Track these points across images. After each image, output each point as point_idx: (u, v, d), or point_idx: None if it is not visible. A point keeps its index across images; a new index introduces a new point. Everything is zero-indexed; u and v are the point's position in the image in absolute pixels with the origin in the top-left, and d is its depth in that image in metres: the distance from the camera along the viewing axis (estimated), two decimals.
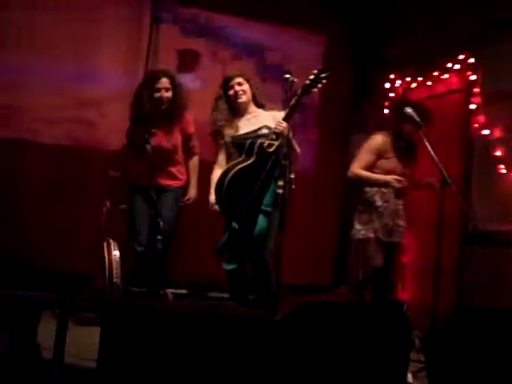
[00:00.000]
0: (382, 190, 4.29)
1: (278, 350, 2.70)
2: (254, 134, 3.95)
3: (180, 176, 4.52)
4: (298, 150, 3.92)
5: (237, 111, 4.05)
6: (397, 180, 4.29)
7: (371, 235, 4.24)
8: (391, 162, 4.35)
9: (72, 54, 5.33)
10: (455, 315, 3.39)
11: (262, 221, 3.80)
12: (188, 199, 4.50)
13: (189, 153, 4.59)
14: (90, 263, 4.52)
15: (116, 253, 4.24)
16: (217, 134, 4.05)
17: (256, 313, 3.02)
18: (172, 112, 4.40)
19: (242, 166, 3.80)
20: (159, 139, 4.33)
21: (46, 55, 5.31)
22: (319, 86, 3.76)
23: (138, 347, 2.51)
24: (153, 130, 4.08)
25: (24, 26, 5.24)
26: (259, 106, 4.09)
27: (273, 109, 4.03)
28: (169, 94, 4.37)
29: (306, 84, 3.75)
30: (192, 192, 4.51)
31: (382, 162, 4.34)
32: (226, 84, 4.03)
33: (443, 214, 3.90)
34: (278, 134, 3.73)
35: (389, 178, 4.29)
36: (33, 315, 2.70)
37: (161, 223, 3.90)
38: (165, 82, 4.37)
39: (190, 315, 2.67)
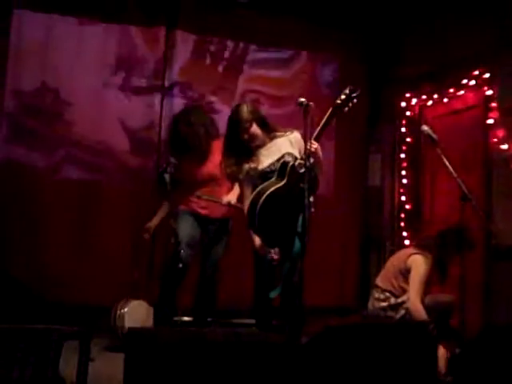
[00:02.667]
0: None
1: (303, 376, 2.68)
2: (279, 164, 3.82)
3: None
4: (322, 170, 3.90)
5: (253, 146, 3.96)
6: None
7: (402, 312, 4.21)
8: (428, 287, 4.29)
9: None
10: (483, 334, 3.34)
11: (297, 243, 3.75)
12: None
13: None
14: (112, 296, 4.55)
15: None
16: (233, 178, 4.02)
17: (281, 338, 3.00)
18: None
19: (274, 187, 3.71)
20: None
21: None
22: (350, 105, 3.74)
23: (163, 377, 2.50)
24: None
25: None
26: (271, 131, 4.00)
27: (285, 132, 3.97)
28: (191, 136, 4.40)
29: (336, 103, 3.69)
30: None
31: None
32: (238, 127, 3.82)
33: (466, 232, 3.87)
34: (310, 155, 3.66)
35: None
36: (54, 348, 2.71)
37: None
38: (181, 125, 4.42)
39: (216, 344, 2.66)
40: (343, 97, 3.73)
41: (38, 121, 5.41)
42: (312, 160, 3.60)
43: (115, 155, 5.58)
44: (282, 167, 3.74)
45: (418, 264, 4.20)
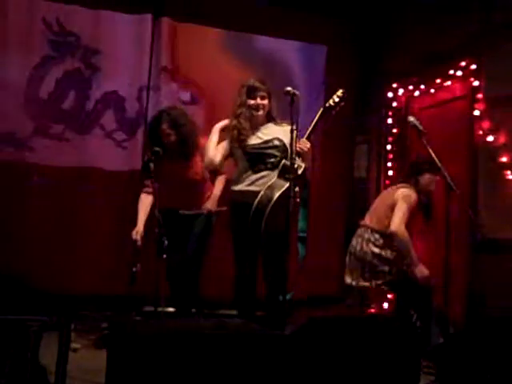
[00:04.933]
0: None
1: (286, 367, 2.68)
2: (266, 145, 3.92)
3: None
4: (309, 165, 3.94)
5: (251, 122, 4.01)
6: (425, 275, 4.21)
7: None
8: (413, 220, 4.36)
9: None
10: (467, 325, 3.36)
11: (301, 248, 3.78)
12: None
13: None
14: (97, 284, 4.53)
15: None
16: (242, 142, 3.94)
17: (265, 329, 3.00)
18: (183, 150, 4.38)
19: (278, 193, 3.73)
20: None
21: None
22: (338, 108, 3.84)
23: (146, 369, 2.49)
24: None
25: None
26: (270, 119, 4.06)
27: (282, 122, 4.00)
28: (172, 139, 4.32)
29: (329, 105, 3.82)
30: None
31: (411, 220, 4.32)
32: (251, 92, 3.94)
33: (450, 222, 3.87)
34: (301, 154, 3.70)
35: (421, 268, 4.21)
36: (33, 339, 2.69)
37: None
38: (165, 128, 4.31)
39: (199, 334, 2.65)
40: (336, 99, 3.80)
41: None
42: (305, 161, 3.68)
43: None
44: (285, 169, 3.77)
45: (404, 194, 4.30)
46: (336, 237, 6.08)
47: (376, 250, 4.25)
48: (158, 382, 2.49)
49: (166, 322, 3.45)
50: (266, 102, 3.97)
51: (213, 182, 4.44)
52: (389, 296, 5.29)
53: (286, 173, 3.73)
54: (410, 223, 4.29)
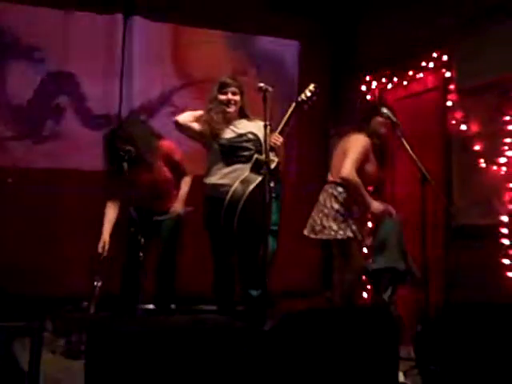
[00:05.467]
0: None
1: (266, 361, 2.68)
2: (240, 139, 3.93)
3: None
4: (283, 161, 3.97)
5: (223, 117, 4.02)
6: (381, 209, 4.22)
7: (350, 235, 4.18)
8: (372, 165, 4.30)
9: None
10: (444, 312, 3.39)
11: (272, 241, 3.79)
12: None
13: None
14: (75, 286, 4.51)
15: None
16: (215, 136, 3.95)
17: (244, 324, 3.00)
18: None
19: (252, 187, 3.75)
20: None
21: None
22: (310, 103, 3.89)
23: (126, 367, 2.48)
24: None
25: None
26: (243, 116, 4.08)
27: (254, 119, 4.01)
28: (129, 148, 4.16)
29: (301, 99, 3.86)
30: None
31: (365, 165, 4.26)
32: (221, 88, 3.98)
33: (426, 212, 3.91)
34: (274, 148, 3.73)
35: (375, 204, 4.21)
36: (3, 345, 2.67)
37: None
38: (119, 142, 4.18)
39: (176, 331, 2.65)
40: (308, 94, 3.82)
41: None
42: (279, 156, 3.71)
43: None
44: (258, 164, 3.79)
45: (355, 139, 4.27)
46: None
47: (336, 205, 4.21)
48: (138, 379, 2.48)
49: (145, 320, 3.44)
50: (237, 97, 3.98)
51: (178, 181, 4.42)
52: (368, 286, 5.33)
53: (258, 167, 3.75)
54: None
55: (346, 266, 4.24)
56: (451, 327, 3.17)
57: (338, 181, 4.23)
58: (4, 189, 5.28)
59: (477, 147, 4.77)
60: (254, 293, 3.74)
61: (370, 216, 4.51)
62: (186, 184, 4.40)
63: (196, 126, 4.01)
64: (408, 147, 4.00)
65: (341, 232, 4.16)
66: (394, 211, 4.31)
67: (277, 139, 3.76)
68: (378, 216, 4.29)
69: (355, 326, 2.95)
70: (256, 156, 3.83)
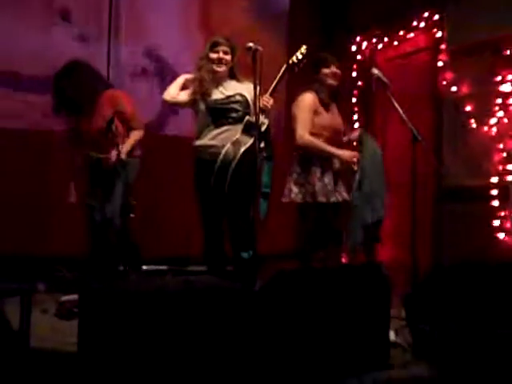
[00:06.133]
0: None
1: (258, 320, 2.70)
2: (228, 101, 3.93)
3: None
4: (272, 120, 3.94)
5: (213, 76, 3.99)
6: (350, 155, 4.15)
7: (309, 199, 4.11)
8: (323, 118, 4.19)
9: None
10: (434, 272, 3.41)
11: (263, 203, 3.78)
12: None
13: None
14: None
15: None
16: (204, 95, 3.92)
17: (234, 284, 3.01)
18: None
19: (243, 149, 3.74)
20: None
21: None
22: (301, 65, 3.85)
23: (117, 328, 2.49)
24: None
25: None
26: (232, 77, 4.06)
27: (244, 80, 3.98)
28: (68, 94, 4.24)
29: (292, 61, 3.83)
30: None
31: (317, 120, 4.17)
32: (213, 46, 3.97)
33: (416, 173, 3.90)
34: (264, 110, 3.70)
35: (346, 155, 4.15)
36: None
37: None
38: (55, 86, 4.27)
39: (167, 292, 2.65)
40: (300, 56, 3.79)
41: None
42: (268, 117, 3.70)
43: None
44: (248, 126, 3.76)
45: (299, 101, 4.20)
46: None
47: (297, 168, 4.17)
48: (130, 340, 2.49)
49: (137, 281, 3.45)
50: (228, 57, 3.97)
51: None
52: None
53: (249, 129, 3.73)
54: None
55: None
56: (440, 287, 3.20)
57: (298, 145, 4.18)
58: None
59: (468, 108, 4.76)
60: (245, 255, 3.73)
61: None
62: (133, 135, 4.24)
63: (184, 96, 4.01)
64: (398, 108, 3.97)
65: (300, 196, 4.12)
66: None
67: (267, 101, 3.74)
68: (348, 161, 4.16)
69: (347, 283, 2.97)
70: (247, 118, 3.82)
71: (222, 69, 3.97)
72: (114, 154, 4.01)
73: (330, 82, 4.22)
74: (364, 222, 4.12)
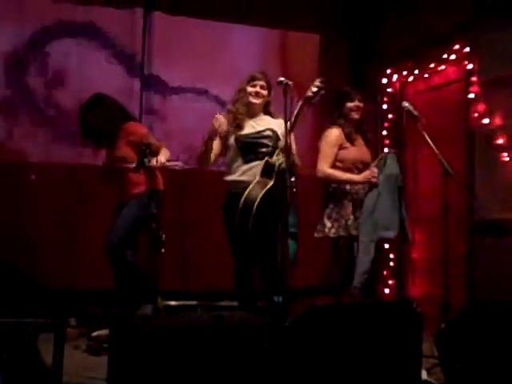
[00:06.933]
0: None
1: (288, 356, 2.68)
2: (258, 135, 3.95)
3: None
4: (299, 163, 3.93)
5: (248, 109, 4.03)
6: (369, 176, 4.16)
7: (342, 233, 4.14)
8: (350, 151, 4.25)
9: None
10: (468, 309, 3.36)
11: (292, 244, 3.78)
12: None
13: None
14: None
15: None
16: (236, 127, 3.95)
17: (265, 320, 3.00)
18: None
19: (267, 189, 3.74)
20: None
21: None
22: (318, 97, 3.78)
23: (147, 364, 2.49)
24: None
25: None
26: (267, 112, 4.09)
27: (278, 116, 3.99)
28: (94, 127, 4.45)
29: (308, 96, 3.78)
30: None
31: (342, 153, 4.23)
32: (251, 80, 4.01)
33: (448, 207, 3.87)
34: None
35: (361, 177, 4.18)
36: (28, 341, 2.68)
37: None
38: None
39: (197, 328, 2.65)
40: (314, 89, 3.78)
41: None
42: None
43: None
44: (268, 167, 3.78)
45: (323, 136, 4.28)
46: None
47: (331, 203, 4.22)
48: (160, 377, 2.48)
49: (167, 317, 3.45)
50: (265, 91, 4.01)
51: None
52: (390, 282, 5.30)
53: (269, 170, 3.77)
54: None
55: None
56: (474, 325, 3.14)
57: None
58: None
59: (500, 140, 4.71)
60: (276, 299, 3.73)
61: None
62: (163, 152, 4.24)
63: (217, 148, 4.01)
64: (429, 141, 3.95)
65: (333, 230, 4.15)
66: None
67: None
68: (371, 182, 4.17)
69: (379, 321, 2.94)
70: (266, 159, 3.83)
71: (259, 101, 4.00)
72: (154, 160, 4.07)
73: (354, 115, 4.28)
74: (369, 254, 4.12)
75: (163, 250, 3.67)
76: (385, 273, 4.58)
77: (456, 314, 3.41)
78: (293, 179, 3.59)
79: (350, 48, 6.36)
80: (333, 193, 4.21)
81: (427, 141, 3.96)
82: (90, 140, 4.54)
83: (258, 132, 3.96)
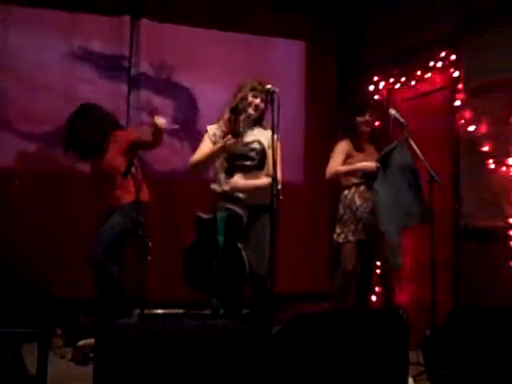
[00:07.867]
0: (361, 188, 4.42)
1: (274, 364, 2.67)
2: (246, 147, 3.92)
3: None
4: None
5: (247, 119, 3.97)
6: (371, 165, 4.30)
7: (351, 238, 4.35)
8: (357, 157, 4.45)
9: None
10: (453, 316, 3.37)
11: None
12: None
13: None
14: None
15: None
16: (234, 134, 3.82)
17: (251, 328, 2.99)
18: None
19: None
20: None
21: None
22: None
23: (133, 372, 2.48)
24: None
25: None
26: (258, 124, 4.04)
27: (268, 128, 3.94)
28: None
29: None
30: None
31: (350, 161, 4.44)
32: (254, 90, 3.91)
33: (433, 214, 3.89)
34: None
35: (363, 164, 4.35)
36: (12, 351, 2.67)
37: None
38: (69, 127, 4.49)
39: (183, 336, 2.64)
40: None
41: None
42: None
43: None
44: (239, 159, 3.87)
45: (334, 148, 4.53)
46: (322, 232, 6.10)
47: (341, 210, 4.47)
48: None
49: (153, 325, 3.43)
50: (263, 105, 3.94)
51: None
52: (376, 289, 5.30)
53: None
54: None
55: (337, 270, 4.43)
56: (460, 331, 3.15)
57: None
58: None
59: (485, 148, 4.73)
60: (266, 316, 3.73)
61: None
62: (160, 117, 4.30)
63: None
64: (415, 147, 3.98)
65: (342, 235, 4.34)
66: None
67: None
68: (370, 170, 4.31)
69: (366, 329, 2.94)
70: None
71: (256, 115, 3.95)
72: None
73: (363, 129, 4.49)
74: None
75: (149, 258, 3.65)
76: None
77: (442, 320, 3.42)
78: (279, 187, 3.57)
79: (336, 56, 6.39)
80: (342, 198, 4.44)
81: (413, 147, 3.99)
82: (75, 151, 4.51)
83: (246, 144, 3.92)
